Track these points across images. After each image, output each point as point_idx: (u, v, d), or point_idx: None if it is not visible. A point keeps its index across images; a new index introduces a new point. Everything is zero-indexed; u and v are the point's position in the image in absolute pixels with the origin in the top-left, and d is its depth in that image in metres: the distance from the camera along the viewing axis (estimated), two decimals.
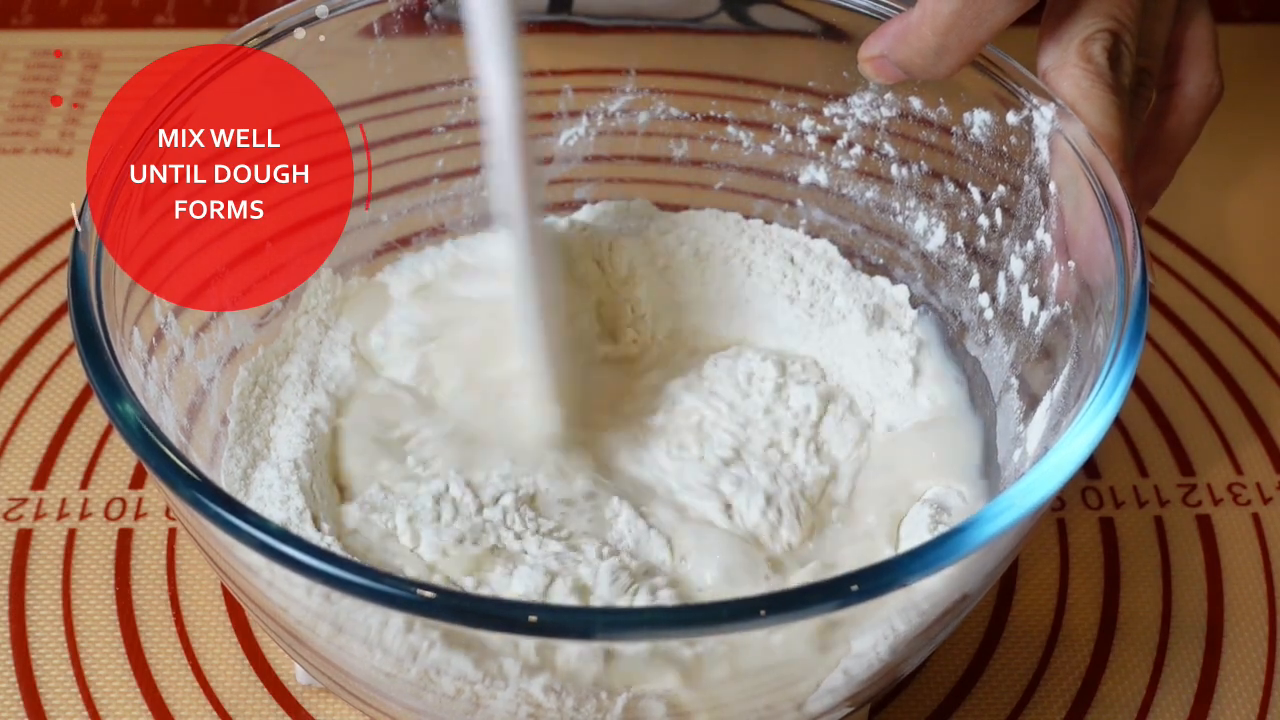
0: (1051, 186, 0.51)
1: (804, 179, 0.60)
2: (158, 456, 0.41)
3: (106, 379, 0.43)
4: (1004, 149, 0.53)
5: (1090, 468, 0.61)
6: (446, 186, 0.61)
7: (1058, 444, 0.42)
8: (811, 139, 0.59)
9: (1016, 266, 0.53)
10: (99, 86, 0.77)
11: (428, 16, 0.57)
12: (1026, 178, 0.52)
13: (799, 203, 0.60)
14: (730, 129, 0.60)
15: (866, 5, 0.54)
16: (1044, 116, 0.50)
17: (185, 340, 0.51)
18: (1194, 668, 0.55)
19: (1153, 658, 0.55)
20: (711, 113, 0.60)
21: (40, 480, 0.60)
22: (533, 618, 0.38)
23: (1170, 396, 0.64)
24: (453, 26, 0.58)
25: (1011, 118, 0.52)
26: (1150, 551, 0.58)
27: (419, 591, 0.38)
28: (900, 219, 0.58)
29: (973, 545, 0.40)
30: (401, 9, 0.56)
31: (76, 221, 0.47)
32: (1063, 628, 0.56)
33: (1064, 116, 0.49)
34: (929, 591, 0.42)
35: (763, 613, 0.38)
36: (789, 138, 0.60)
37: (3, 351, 0.64)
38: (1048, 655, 0.55)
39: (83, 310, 0.44)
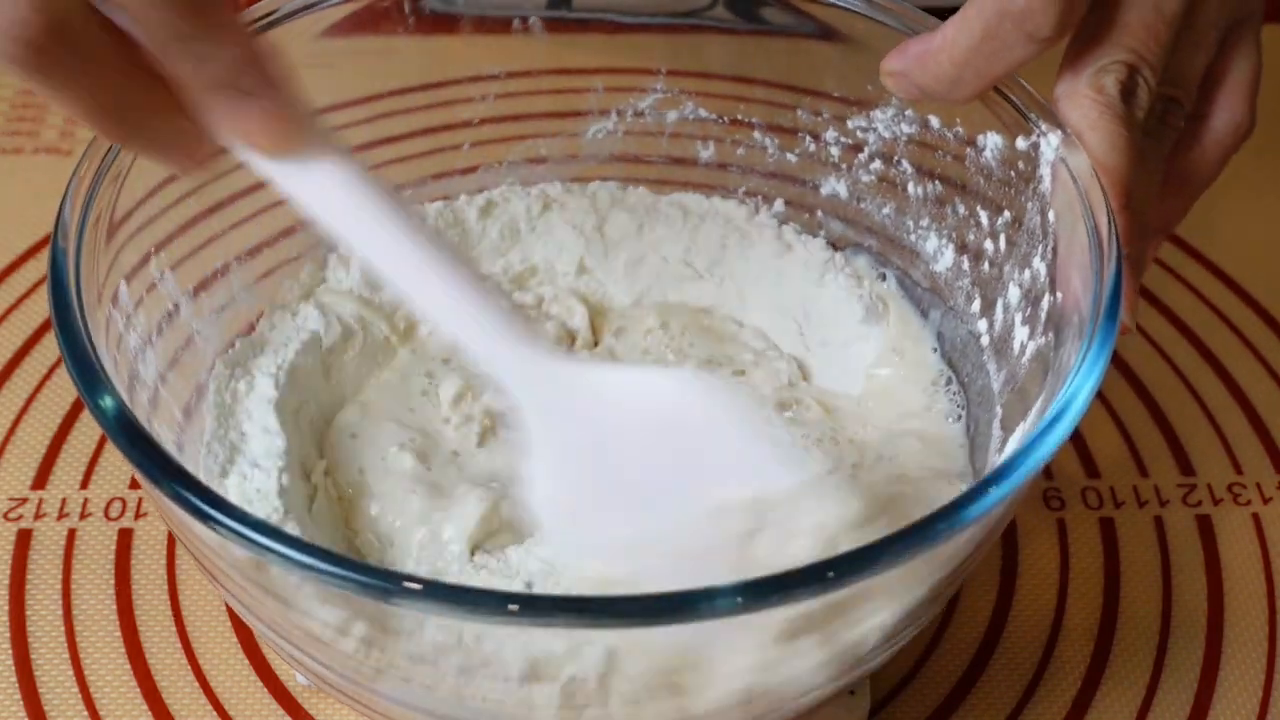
0: (1051, 215, 0.50)
1: (825, 189, 0.60)
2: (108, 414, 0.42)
3: (74, 344, 0.43)
4: (1011, 174, 0.52)
5: (1090, 467, 0.61)
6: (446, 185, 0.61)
7: (1000, 460, 0.42)
8: (834, 150, 0.59)
9: (1014, 294, 0.53)
10: None
11: (423, 7, 0.57)
12: (1030, 205, 0.52)
13: (819, 213, 0.61)
14: (756, 134, 0.61)
15: (894, 20, 0.54)
16: (1050, 144, 0.50)
17: (182, 297, 0.52)
18: (1194, 668, 0.55)
19: (1153, 658, 0.55)
20: (739, 116, 0.60)
21: (40, 480, 0.60)
22: (513, 606, 0.38)
23: (1170, 396, 0.64)
24: (446, 23, 0.58)
25: (1020, 143, 0.51)
26: (1150, 551, 0.58)
27: (405, 584, 0.39)
28: (914, 237, 0.58)
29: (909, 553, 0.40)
30: (395, 5, 0.57)
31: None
32: (1063, 627, 0.56)
33: (1069, 145, 0.49)
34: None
35: (739, 600, 0.38)
36: (813, 146, 0.59)
37: (3, 351, 0.64)
38: (1048, 655, 0.55)
39: (58, 268, 0.45)
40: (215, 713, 0.53)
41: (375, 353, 0.57)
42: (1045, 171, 0.50)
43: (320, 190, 0.44)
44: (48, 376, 0.63)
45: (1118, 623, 0.56)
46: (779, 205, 0.61)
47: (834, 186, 0.60)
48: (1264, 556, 0.58)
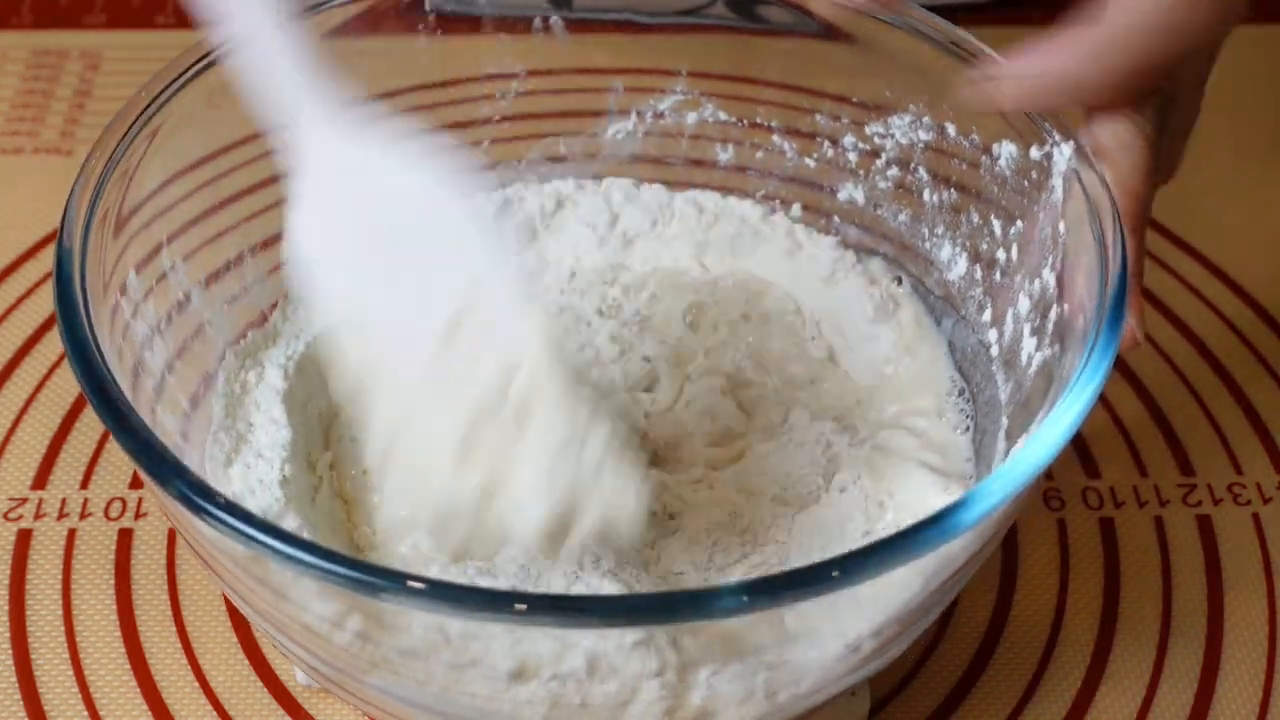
0: (1061, 226, 0.50)
1: (842, 195, 0.60)
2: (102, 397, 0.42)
3: (76, 340, 0.43)
4: (1025, 184, 0.52)
5: (1090, 467, 0.61)
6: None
7: (993, 473, 0.42)
8: (852, 155, 0.59)
9: (1024, 304, 0.52)
10: (99, 86, 0.77)
11: (436, 8, 0.57)
12: (1042, 215, 0.51)
13: (835, 218, 0.61)
14: (775, 138, 0.61)
15: (917, 25, 0.54)
16: (1062, 154, 0.49)
17: (194, 288, 0.52)
18: (1194, 668, 0.55)
19: (1153, 658, 0.55)
20: (758, 120, 0.60)
21: (40, 480, 0.60)
22: (520, 605, 0.38)
23: (1170, 396, 0.64)
24: (467, 23, 0.58)
25: (1034, 152, 0.51)
26: (1150, 551, 0.58)
27: (409, 583, 0.38)
28: (928, 245, 0.58)
29: (905, 557, 0.40)
30: (396, 4, 0.57)
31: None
32: (1063, 627, 0.56)
33: (1081, 157, 0.49)
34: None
35: (745, 598, 0.38)
36: (830, 151, 0.59)
37: (3, 351, 0.64)
38: (1048, 655, 0.55)
39: (62, 257, 0.45)
40: (215, 713, 0.53)
41: None
42: (1057, 182, 0.50)
43: None
44: (48, 376, 0.63)
45: (1118, 623, 0.56)
46: (796, 209, 0.61)
47: (851, 192, 0.60)
48: (1264, 556, 0.58)
